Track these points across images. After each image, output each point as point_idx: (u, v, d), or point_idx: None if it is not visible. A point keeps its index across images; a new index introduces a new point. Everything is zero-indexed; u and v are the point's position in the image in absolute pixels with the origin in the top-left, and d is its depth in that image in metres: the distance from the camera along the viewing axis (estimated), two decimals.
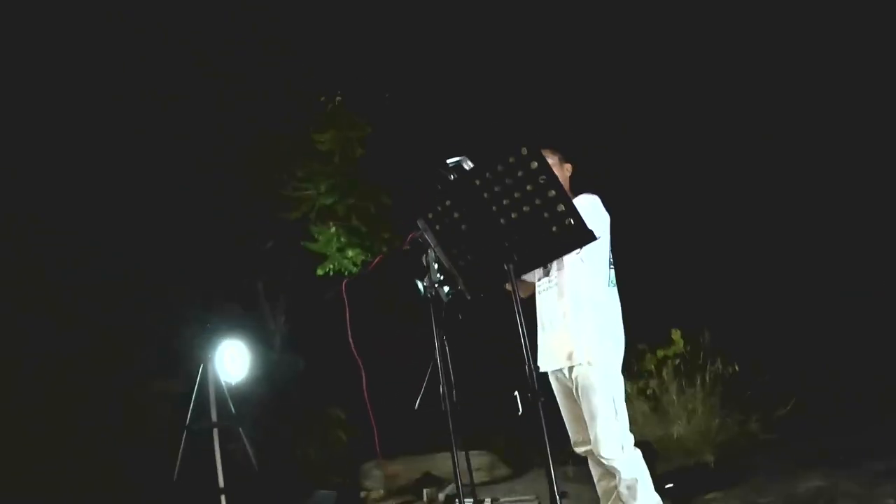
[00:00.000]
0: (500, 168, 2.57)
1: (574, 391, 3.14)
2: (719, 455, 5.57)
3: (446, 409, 4.45)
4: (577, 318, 3.09)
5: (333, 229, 6.57)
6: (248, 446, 5.53)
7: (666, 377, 6.17)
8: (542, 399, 2.48)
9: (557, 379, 3.22)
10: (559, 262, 3.14)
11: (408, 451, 6.61)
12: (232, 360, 5.64)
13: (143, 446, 5.67)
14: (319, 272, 6.81)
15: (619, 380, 3.12)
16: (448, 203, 2.73)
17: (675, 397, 6.05)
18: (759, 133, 8.62)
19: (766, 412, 5.84)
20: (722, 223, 8.51)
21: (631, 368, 6.26)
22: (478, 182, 2.64)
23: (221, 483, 4.99)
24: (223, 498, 5.01)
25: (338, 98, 6.80)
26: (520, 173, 2.55)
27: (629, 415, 6.10)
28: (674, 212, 8.52)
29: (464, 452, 5.02)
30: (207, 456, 5.03)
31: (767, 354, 6.11)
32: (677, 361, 6.17)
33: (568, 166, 3.32)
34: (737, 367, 5.99)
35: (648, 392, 6.25)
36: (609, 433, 3.01)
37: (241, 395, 6.81)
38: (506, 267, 2.63)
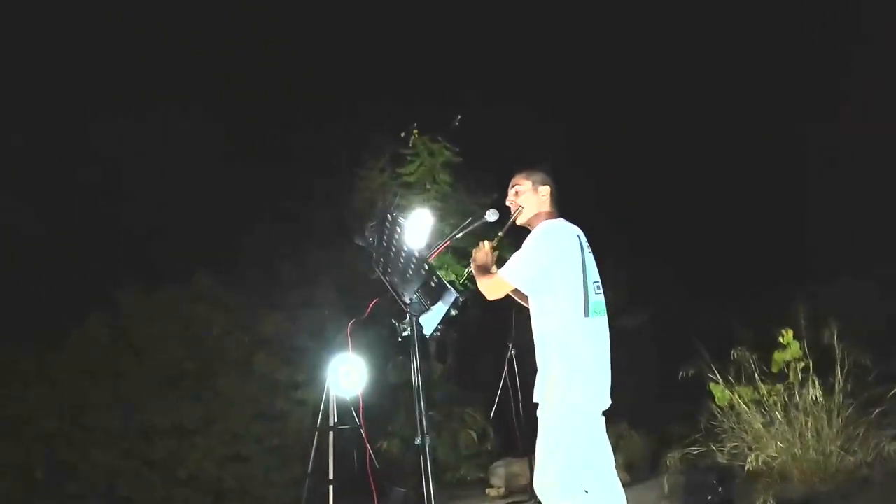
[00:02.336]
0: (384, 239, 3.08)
1: None
2: (825, 490, 4.83)
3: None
4: (541, 355, 3.04)
5: None
6: (367, 446, 6.32)
7: (794, 384, 5.39)
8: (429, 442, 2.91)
9: None
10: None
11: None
12: (347, 375, 6.21)
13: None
14: None
15: (574, 422, 2.92)
16: (381, 261, 3.22)
17: (780, 414, 5.32)
18: None
19: None
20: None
21: (739, 376, 5.71)
22: (384, 243, 3.11)
23: (331, 476, 5.85)
24: (331, 489, 5.83)
25: (414, 130, 7.36)
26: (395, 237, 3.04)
27: (739, 429, 5.55)
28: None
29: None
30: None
31: None
32: (801, 365, 5.39)
33: (544, 189, 3.24)
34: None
35: (771, 400, 5.48)
36: (546, 477, 2.89)
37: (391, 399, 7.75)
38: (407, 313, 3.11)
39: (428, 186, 7.36)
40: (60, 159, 8.30)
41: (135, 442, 6.73)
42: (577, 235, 3.13)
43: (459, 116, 7.26)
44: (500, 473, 7.33)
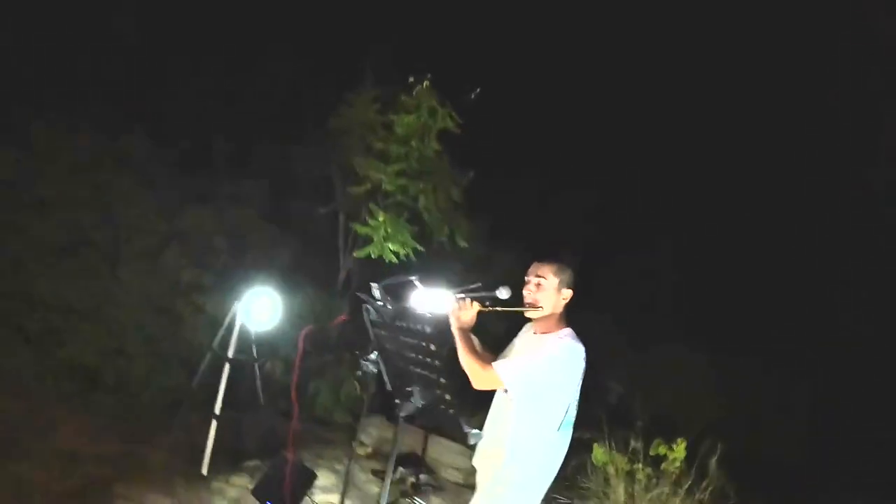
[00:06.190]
0: (411, 329, 2.82)
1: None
2: None
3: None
4: (511, 454, 3.03)
5: (382, 218, 6.56)
6: (257, 382, 6.06)
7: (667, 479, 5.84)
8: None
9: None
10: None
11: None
12: (261, 309, 5.66)
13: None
14: (358, 254, 7.01)
15: None
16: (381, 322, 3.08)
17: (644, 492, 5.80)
18: None
19: None
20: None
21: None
22: (399, 324, 2.90)
23: (217, 410, 5.59)
24: (213, 421, 5.58)
25: (426, 82, 6.61)
26: (431, 347, 2.78)
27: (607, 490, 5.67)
28: None
29: None
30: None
31: None
32: (676, 465, 5.83)
33: (568, 292, 3.09)
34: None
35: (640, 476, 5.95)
36: None
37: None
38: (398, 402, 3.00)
39: (414, 144, 6.77)
40: None
41: (14, 306, 5.99)
42: (584, 358, 3.04)
43: (479, 89, 6.63)
44: (371, 434, 7.48)
